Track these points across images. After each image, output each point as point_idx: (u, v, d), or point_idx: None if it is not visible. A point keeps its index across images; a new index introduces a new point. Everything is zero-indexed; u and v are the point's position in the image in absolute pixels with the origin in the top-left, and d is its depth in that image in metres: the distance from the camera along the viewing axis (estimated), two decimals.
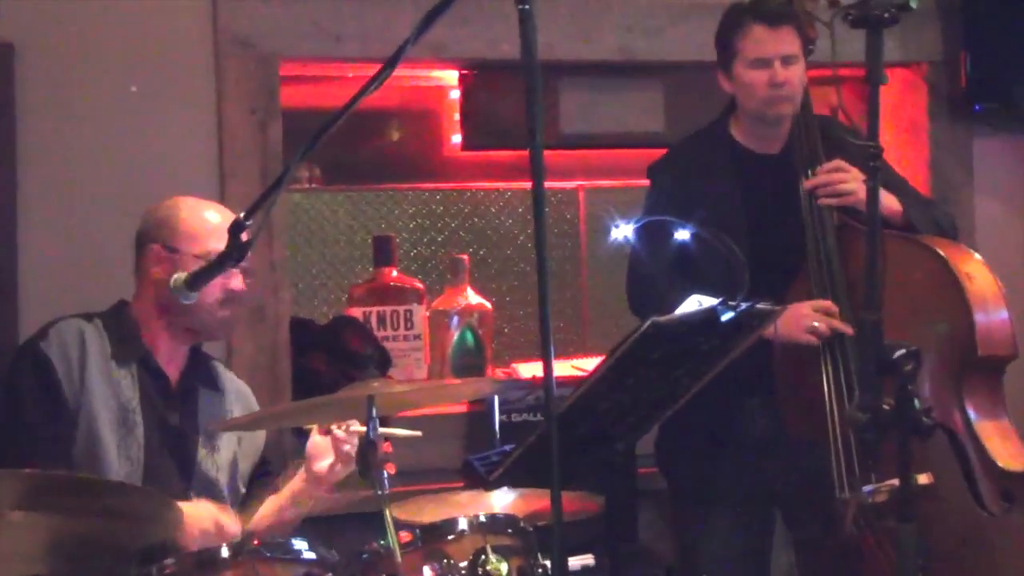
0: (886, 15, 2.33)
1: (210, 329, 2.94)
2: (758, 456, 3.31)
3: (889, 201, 3.20)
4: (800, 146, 3.32)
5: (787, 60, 3.27)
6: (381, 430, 2.55)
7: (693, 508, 3.41)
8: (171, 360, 2.94)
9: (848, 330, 3.13)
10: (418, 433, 2.81)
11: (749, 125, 3.39)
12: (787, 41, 3.27)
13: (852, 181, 3.20)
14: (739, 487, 3.33)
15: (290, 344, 3.94)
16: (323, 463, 2.86)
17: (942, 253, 3.17)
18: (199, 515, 2.72)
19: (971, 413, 3.13)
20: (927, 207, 3.44)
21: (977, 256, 3.24)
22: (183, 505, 2.65)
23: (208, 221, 2.90)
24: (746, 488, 3.33)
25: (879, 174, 2.37)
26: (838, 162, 3.25)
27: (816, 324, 3.15)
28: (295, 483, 2.92)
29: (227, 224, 2.68)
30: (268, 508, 2.95)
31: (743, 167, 3.38)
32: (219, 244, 2.71)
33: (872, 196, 2.35)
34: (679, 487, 3.49)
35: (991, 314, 3.13)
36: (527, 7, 2.00)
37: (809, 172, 3.29)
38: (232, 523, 2.77)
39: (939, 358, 3.08)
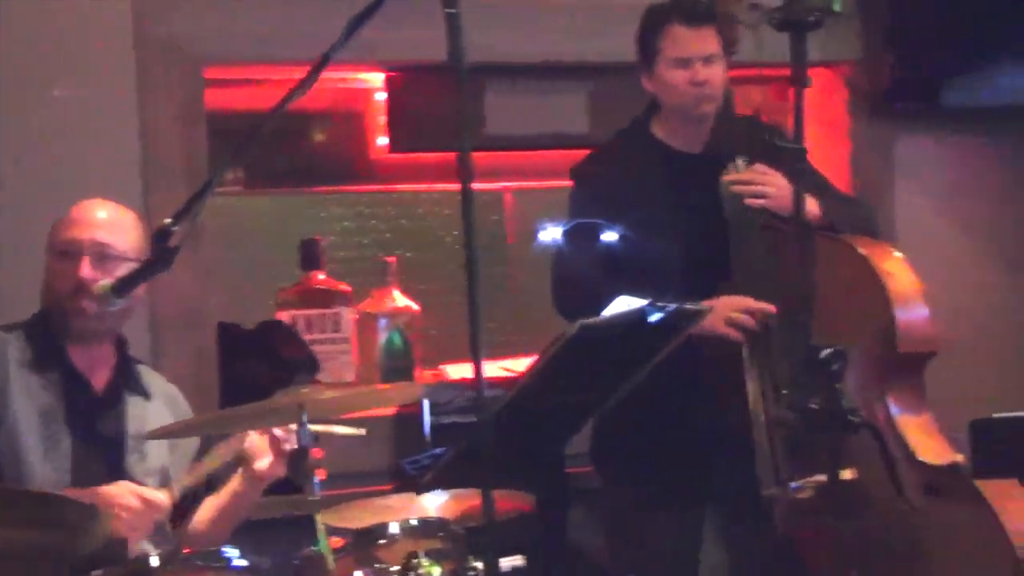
0: (810, 19, 2.36)
1: (73, 329, 2.88)
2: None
3: (809, 204, 3.23)
4: (724, 145, 3.35)
5: (708, 60, 3.29)
6: (321, 427, 2.54)
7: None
8: (95, 366, 2.91)
9: (771, 308, 3.14)
10: (361, 431, 2.81)
11: (672, 124, 3.41)
12: (708, 41, 3.30)
13: (771, 185, 3.23)
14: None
15: (217, 349, 3.91)
16: (262, 462, 2.84)
17: (863, 251, 3.21)
18: (120, 492, 2.69)
19: (894, 408, 3.17)
20: (848, 205, 3.47)
21: (898, 254, 3.28)
22: (102, 489, 2.64)
23: (68, 213, 2.88)
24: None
25: (803, 175, 2.39)
26: (758, 166, 3.28)
27: (737, 316, 3.17)
28: (233, 484, 2.91)
29: (84, 214, 2.67)
30: (206, 511, 2.94)
31: (668, 166, 3.40)
32: (67, 232, 2.80)
33: (797, 197, 2.37)
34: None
35: (912, 311, 3.18)
36: (455, 11, 2.02)
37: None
38: (158, 495, 2.73)
39: (862, 355, 3.12)
